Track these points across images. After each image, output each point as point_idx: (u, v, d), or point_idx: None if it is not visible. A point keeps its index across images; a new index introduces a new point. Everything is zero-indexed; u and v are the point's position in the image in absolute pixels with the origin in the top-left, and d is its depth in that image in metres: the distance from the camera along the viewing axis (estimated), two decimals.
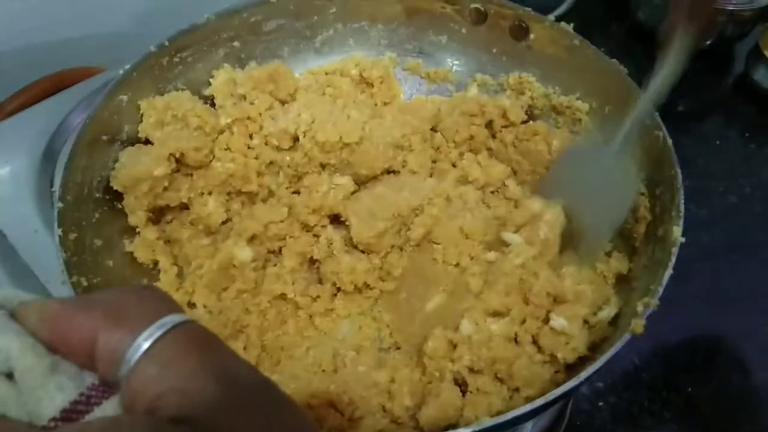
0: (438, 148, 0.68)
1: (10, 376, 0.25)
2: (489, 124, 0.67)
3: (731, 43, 0.98)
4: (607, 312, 0.54)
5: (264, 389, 0.27)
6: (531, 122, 0.67)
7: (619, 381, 0.67)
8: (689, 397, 0.66)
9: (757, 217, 0.80)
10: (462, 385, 0.53)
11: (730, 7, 0.90)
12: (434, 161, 0.68)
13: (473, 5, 0.68)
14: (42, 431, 0.24)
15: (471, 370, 0.52)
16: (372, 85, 0.70)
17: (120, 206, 0.59)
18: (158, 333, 0.25)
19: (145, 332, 0.25)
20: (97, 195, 0.58)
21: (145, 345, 0.25)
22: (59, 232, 0.52)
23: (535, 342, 0.53)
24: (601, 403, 0.65)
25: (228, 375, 0.26)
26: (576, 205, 0.60)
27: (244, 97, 0.63)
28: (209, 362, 0.26)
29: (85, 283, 0.52)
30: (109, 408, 0.26)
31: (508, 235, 0.59)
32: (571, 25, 0.65)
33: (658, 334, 0.68)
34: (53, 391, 0.25)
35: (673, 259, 0.51)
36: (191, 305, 0.57)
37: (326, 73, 0.69)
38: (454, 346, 0.53)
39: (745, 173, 0.85)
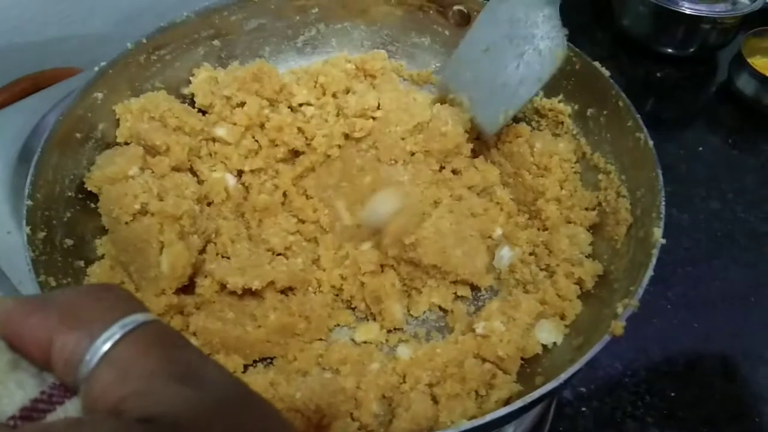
0: None
1: None
2: None
3: (714, 50, 0.99)
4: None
5: (231, 387, 0.26)
6: (513, 124, 0.66)
7: (601, 386, 0.66)
8: (672, 402, 0.65)
9: (739, 223, 0.80)
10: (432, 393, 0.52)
11: (713, 15, 0.91)
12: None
13: (456, 7, 0.68)
14: (2, 428, 0.24)
15: (431, 385, 0.52)
16: (374, 77, 0.69)
17: (93, 206, 0.57)
18: (117, 335, 0.25)
19: (104, 335, 0.25)
20: (69, 194, 0.56)
21: (104, 348, 0.24)
22: (27, 230, 0.51)
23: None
24: (584, 408, 0.65)
25: (192, 374, 0.25)
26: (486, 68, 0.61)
27: (228, 98, 0.62)
28: (171, 362, 0.25)
29: (53, 284, 0.50)
30: (71, 408, 0.25)
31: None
32: None
33: (641, 338, 0.69)
34: (13, 388, 0.24)
35: (654, 261, 0.51)
36: None
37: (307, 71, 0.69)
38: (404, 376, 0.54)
39: (727, 179, 0.85)
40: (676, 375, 0.67)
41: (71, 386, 0.25)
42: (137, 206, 0.53)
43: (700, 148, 0.89)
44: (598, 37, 1.02)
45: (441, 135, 0.62)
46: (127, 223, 0.54)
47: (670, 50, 0.97)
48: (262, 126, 0.63)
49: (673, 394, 0.66)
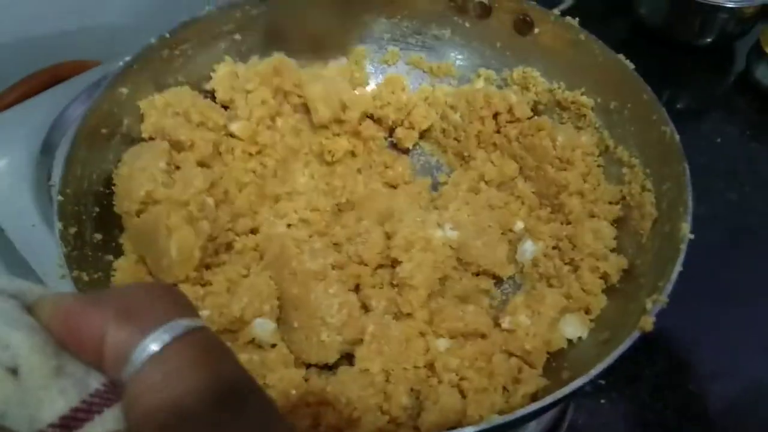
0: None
1: (15, 371, 0.25)
2: (494, 117, 0.67)
3: (732, 40, 0.98)
4: None
5: (264, 411, 0.26)
6: (535, 117, 0.67)
7: (621, 378, 0.66)
8: (691, 394, 0.66)
9: (757, 215, 0.80)
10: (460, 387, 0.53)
11: (731, 5, 0.90)
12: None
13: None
14: None
15: (460, 379, 0.53)
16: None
17: None
18: (166, 337, 0.25)
19: (153, 334, 0.25)
20: (98, 189, 0.57)
21: (153, 348, 0.25)
22: (59, 226, 0.51)
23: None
24: (603, 400, 0.65)
25: (230, 395, 0.25)
26: None
27: (249, 92, 0.63)
28: (213, 377, 0.25)
29: (86, 278, 0.51)
30: (109, 417, 0.25)
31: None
32: (576, 19, 0.64)
33: (660, 331, 0.68)
34: (55, 394, 0.25)
35: (682, 256, 0.51)
36: None
37: None
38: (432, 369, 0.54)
39: (745, 171, 0.85)
40: (695, 367, 0.67)
41: (117, 390, 0.25)
42: (142, 193, 0.53)
43: (718, 140, 0.88)
44: (614, 26, 1.01)
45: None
46: (137, 215, 0.54)
47: (687, 40, 0.96)
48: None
49: (691, 386, 0.66)
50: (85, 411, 0.25)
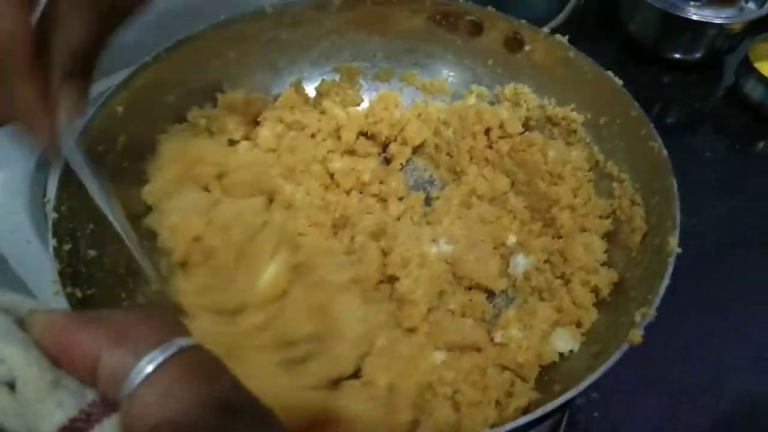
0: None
1: (12, 385, 0.25)
2: (486, 133, 0.68)
3: (721, 55, 1.00)
4: None
5: (265, 422, 0.27)
6: (527, 133, 0.68)
7: (613, 390, 0.66)
8: (684, 406, 0.66)
9: (747, 228, 0.81)
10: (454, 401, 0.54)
11: (719, 21, 0.92)
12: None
13: (468, 17, 0.69)
14: None
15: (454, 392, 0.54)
16: None
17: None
18: (160, 358, 0.26)
19: (148, 356, 0.26)
20: (92, 205, 0.56)
21: (148, 369, 0.25)
22: (54, 242, 0.52)
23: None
24: (596, 414, 0.65)
25: (227, 406, 0.26)
26: None
27: None
28: (208, 393, 0.26)
29: (79, 295, 0.51)
30: (107, 426, 0.26)
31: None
32: (566, 37, 0.66)
33: (652, 343, 0.69)
34: (53, 407, 0.25)
35: (670, 269, 0.52)
36: None
37: None
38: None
39: (735, 184, 0.86)
40: (688, 378, 0.67)
41: (113, 402, 0.26)
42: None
43: (708, 154, 0.90)
44: (604, 42, 1.02)
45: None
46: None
47: (676, 55, 0.98)
48: None
49: (683, 400, 0.66)
50: (84, 421, 0.25)
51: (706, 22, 0.92)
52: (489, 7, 0.68)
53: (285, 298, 0.55)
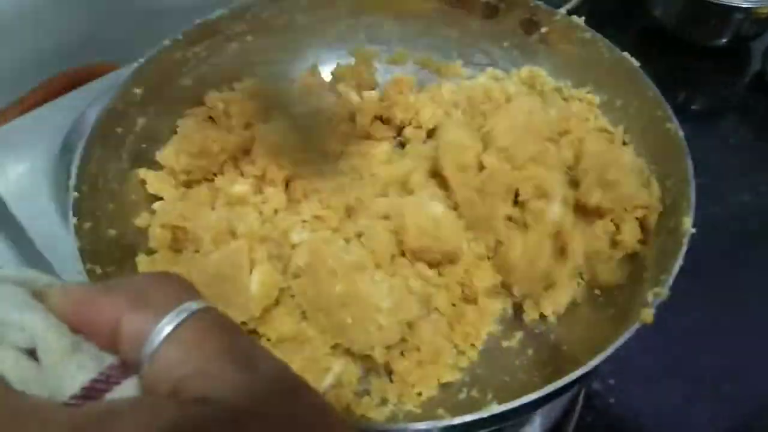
0: None
1: (31, 353, 0.27)
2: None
3: (747, 41, 1.00)
4: None
5: (282, 374, 0.28)
6: None
7: (631, 379, 0.68)
8: (701, 392, 0.67)
9: None
10: None
11: (746, 5, 0.91)
12: None
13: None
14: (65, 407, 0.25)
15: None
16: None
17: (134, 198, 0.62)
18: (180, 317, 0.27)
19: (168, 316, 0.27)
20: (112, 186, 0.60)
21: (168, 329, 0.27)
22: (74, 221, 0.54)
23: None
24: (612, 400, 0.67)
25: (247, 359, 0.27)
26: None
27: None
28: (229, 346, 0.27)
29: (99, 271, 0.54)
30: (128, 387, 0.27)
31: None
32: (582, 18, 0.67)
33: (671, 332, 0.70)
34: (74, 369, 0.26)
35: (684, 250, 0.53)
36: None
37: None
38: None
39: (760, 171, 0.87)
40: (708, 368, 0.69)
41: (134, 365, 0.27)
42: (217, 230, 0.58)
43: (732, 140, 0.91)
44: (628, 27, 1.03)
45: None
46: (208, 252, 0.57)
47: (702, 41, 0.98)
48: None
49: (700, 386, 0.68)
50: (104, 382, 0.26)
51: (733, 6, 0.92)
52: None
53: (303, 299, 0.57)
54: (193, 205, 0.61)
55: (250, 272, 0.55)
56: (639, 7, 1.02)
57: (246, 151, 0.65)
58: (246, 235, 0.57)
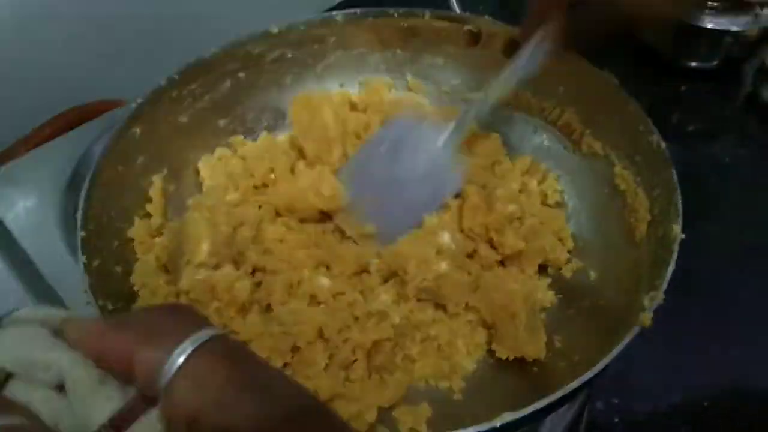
0: None
1: (59, 388, 0.30)
2: None
3: (738, 63, 1.06)
4: None
5: (299, 397, 0.32)
6: None
7: (633, 397, 0.74)
8: (706, 411, 0.73)
9: None
10: None
11: (735, 28, 0.99)
12: None
13: (466, 27, 0.78)
14: None
15: None
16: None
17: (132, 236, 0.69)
18: (190, 348, 0.30)
19: (179, 348, 0.30)
20: (116, 224, 0.68)
21: (179, 360, 0.30)
22: (83, 259, 0.61)
23: None
24: (616, 419, 0.72)
25: (261, 385, 0.31)
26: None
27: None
28: (241, 373, 0.30)
29: (110, 307, 0.60)
30: (152, 416, 0.30)
31: None
32: None
33: (674, 349, 0.76)
34: (103, 400, 0.30)
35: (675, 255, 0.59)
36: None
37: None
38: None
39: (756, 190, 0.93)
40: (709, 386, 0.74)
41: (152, 397, 0.31)
42: None
43: (728, 160, 0.97)
44: (621, 52, 1.09)
45: None
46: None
47: (693, 64, 1.05)
48: None
49: (706, 404, 0.73)
50: (130, 412, 0.30)
51: (722, 30, 0.98)
52: (486, 16, 0.78)
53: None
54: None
55: None
56: (631, 34, 1.06)
57: None
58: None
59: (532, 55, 0.66)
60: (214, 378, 0.30)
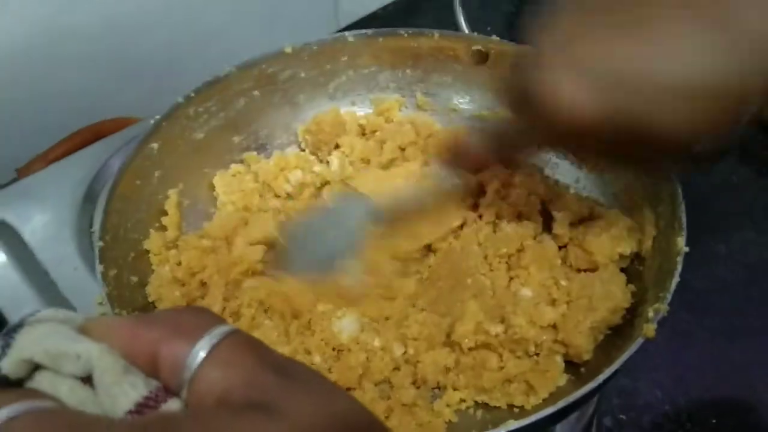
0: None
1: (84, 380, 0.31)
2: None
3: None
4: None
5: (317, 379, 0.33)
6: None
7: (641, 413, 0.75)
8: (715, 428, 0.74)
9: None
10: None
11: None
12: None
13: (475, 47, 0.81)
14: (124, 417, 0.30)
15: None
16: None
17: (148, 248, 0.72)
18: (214, 340, 0.31)
19: (202, 341, 0.31)
20: (132, 236, 0.70)
21: (203, 352, 0.31)
22: (101, 268, 0.63)
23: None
24: None
25: (285, 368, 0.32)
26: None
27: None
28: (264, 360, 0.32)
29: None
30: (174, 405, 0.31)
31: None
32: None
33: (680, 367, 0.77)
34: (128, 388, 0.31)
35: (680, 268, 0.61)
36: None
37: None
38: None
39: (761, 209, 0.95)
40: (717, 402, 0.76)
41: (175, 390, 0.32)
42: None
43: (734, 178, 0.99)
44: None
45: None
46: None
47: None
48: None
49: (714, 421, 0.75)
50: (154, 400, 0.31)
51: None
52: (493, 36, 0.80)
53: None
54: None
55: None
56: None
57: None
58: None
59: None
60: (239, 364, 0.31)
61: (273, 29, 1.01)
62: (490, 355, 0.65)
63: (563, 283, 0.69)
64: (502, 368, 0.65)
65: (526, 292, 0.68)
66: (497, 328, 0.65)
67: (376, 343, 0.67)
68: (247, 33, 0.87)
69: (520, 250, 0.72)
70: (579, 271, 0.71)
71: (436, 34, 0.83)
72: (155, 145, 0.74)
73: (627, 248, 0.69)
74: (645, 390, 0.76)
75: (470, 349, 0.65)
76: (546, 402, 0.63)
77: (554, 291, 0.68)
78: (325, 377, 0.34)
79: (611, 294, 0.66)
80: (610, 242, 0.69)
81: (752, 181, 1.00)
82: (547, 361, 0.65)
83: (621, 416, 0.75)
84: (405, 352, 0.67)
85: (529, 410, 0.63)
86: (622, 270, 0.70)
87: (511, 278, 0.71)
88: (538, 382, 0.63)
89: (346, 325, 0.68)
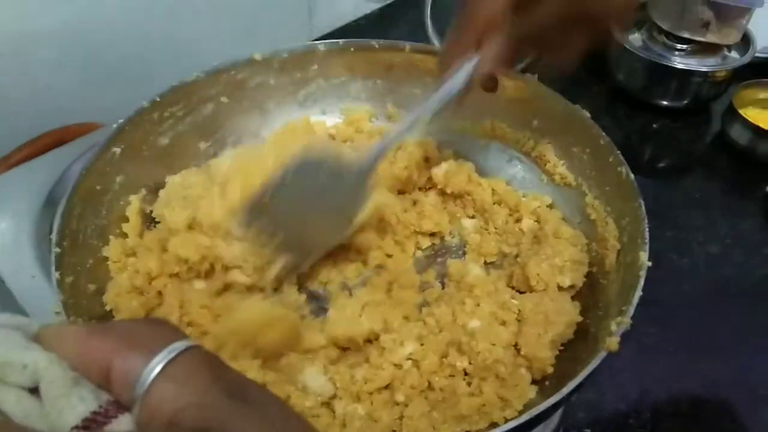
0: None
1: (32, 391, 0.30)
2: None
3: (707, 102, 1.13)
4: None
5: (271, 403, 0.32)
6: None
7: (606, 427, 0.74)
8: None
9: (737, 267, 0.90)
10: None
11: (704, 69, 1.05)
12: None
13: None
14: None
15: None
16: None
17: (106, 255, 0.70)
18: (170, 356, 0.31)
19: (158, 356, 0.31)
20: (91, 242, 0.68)
21: (159, 367, 0.30)
22: (57, 275, 0.61)
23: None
24: None
25: (238, 390, 0.31)
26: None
27: None
28: (219, 379, 0.31)
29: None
30: (124, 421, 0.31)
31: None
32: (535, 75, 0.77)
33: (645, 380, 0.77)
34: (76, 401, 0.30)
35: (642, 282, 0.61)
36: None
37: None
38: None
39: (725, 225, 0.96)
40: (681, 416, 0.75)
41: (127, 403, 0.31)
42: None
43: (698, 195, 1.01)
44: (594, 90, 1.15)
45: None
46: None
47: (664, 102, 1.11)
48: None
49: None
50: (103, 415, 0.30)
51: (692, 70, 1.05)
52: None
53: None
54: None
55: None
56: (604, 71, 1.14)
57: None
58: None
59: (452, 88, 0.65)
60: (193, 382, 0.30)
61: (247, 41, 1.00)
62: (460, 382, 0.64)
63: (515, 302, 0.69)
64: (472, 394, 0.64)
65: (475, 323, 0.67)
66: (463, 362, 0.65)
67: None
68: (222, 45, 0.86)
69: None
70: (521, 292, 0.71)
71: (407, 46, 0.83)
72: (117, 150, 0.72)
73: (566, 281, 0.70)
74: (610, 403, 0.76)
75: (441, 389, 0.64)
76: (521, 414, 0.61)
77: (503, 314, 0.68)
78: (282, 401, 0.33)
79: (564, 309, 0.67)
80: (550, 271, 0.70)
81: (716, 198, 1.02)
82: (513, 377, 0.64)
83: (586, 430, 0.75)
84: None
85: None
86: (585, 285, 0.71)
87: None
88: (511, 395, 0.63)
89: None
